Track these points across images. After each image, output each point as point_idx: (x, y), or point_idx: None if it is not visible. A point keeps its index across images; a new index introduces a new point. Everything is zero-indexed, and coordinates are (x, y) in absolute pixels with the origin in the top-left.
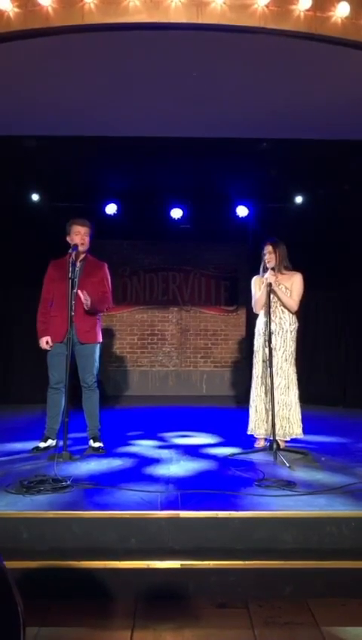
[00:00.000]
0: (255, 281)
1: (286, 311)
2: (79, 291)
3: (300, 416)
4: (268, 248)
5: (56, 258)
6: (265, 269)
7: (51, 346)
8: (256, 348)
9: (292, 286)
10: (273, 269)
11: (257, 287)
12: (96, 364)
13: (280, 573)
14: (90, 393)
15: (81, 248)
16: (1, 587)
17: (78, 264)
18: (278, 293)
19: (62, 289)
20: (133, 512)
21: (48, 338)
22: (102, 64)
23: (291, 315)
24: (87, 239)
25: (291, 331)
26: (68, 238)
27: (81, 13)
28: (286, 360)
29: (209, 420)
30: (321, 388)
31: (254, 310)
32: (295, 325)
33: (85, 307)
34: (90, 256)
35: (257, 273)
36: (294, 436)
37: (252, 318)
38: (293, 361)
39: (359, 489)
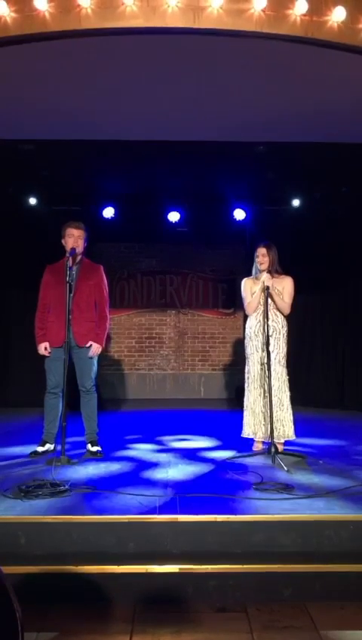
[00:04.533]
0: (245, 283)
1: (278, 314)
2: (94, 344)
3: (292, 418)
4: (262, 251)
5: (51, 263)
6: (257, 272)
7: (50, 352)
8: (250, 351)
9: (284, 289)
10: (269, 272)
11: (248, 288)
12: (95, 367)
13: (279, 577)
14: (89, 397)
15: (76, 251)
16: None
17: (74, 267)
18: (274, 296)
19: (59, 294)
20: (132, 517)
21: (47, 344)
22: (99, 68)
23: (283, 317)
24: (80, 242)
25: (283, 334)
26: (63, 242)
27: (78, 18)
28: (279, 362)
29: (207, 423)
30: (319, 390)
31: (246, 312)
32: (286, 327)
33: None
34: (85, 259)
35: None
36: (287, 438)
37: None
38: (285, 362)
39: (357, 492)
